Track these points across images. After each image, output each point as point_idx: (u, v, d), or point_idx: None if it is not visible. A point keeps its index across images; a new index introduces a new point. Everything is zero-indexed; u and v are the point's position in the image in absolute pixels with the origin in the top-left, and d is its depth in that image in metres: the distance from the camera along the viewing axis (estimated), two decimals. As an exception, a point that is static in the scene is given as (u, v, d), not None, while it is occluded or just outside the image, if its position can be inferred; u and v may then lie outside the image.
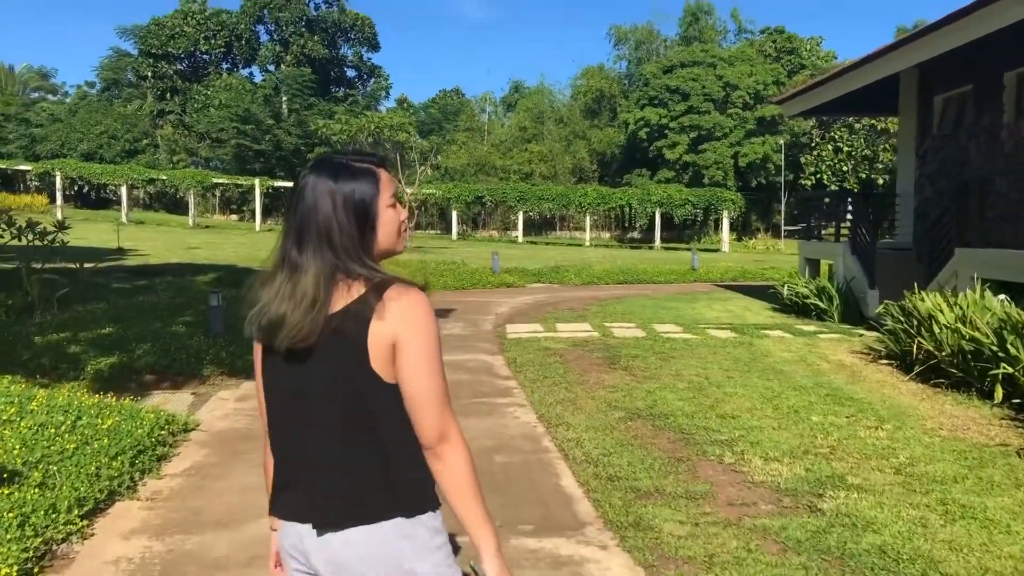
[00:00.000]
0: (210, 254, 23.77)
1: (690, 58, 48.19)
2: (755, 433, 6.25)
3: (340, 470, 1.65)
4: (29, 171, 42.32)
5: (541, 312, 14.26)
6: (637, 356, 9.51)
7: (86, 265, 12.91)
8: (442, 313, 13.84)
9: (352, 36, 61.54)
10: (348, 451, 1.65)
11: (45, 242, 13.51)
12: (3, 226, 12.88)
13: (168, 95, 56.94)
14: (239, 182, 43.83)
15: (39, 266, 11.77)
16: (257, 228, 42.08)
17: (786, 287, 14.18)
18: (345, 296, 1.64)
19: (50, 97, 64.90)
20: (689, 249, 40.52)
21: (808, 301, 13.51)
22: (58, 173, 41.09)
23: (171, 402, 7.31)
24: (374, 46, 63.27)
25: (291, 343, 1.63)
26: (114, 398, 6.64)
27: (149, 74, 55.98)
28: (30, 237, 13.28)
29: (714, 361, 9.27)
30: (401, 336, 1.62)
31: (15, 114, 53.45)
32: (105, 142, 48.48)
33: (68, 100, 57.85)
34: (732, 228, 43.48)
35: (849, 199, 17.10)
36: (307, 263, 1.65)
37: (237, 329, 9.72)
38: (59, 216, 41.55)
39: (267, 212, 49.21)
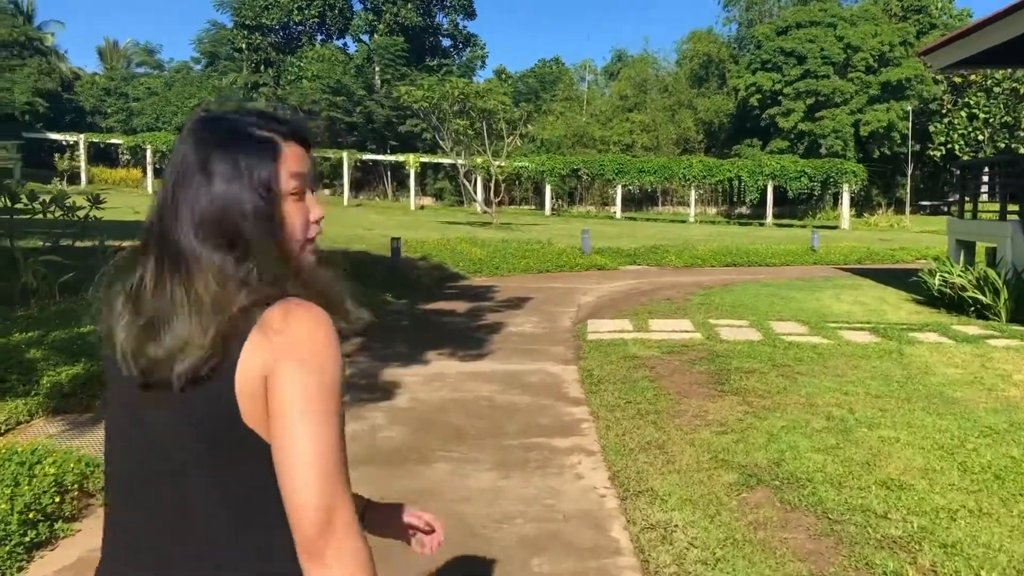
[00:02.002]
0: (282, 230, 22.39)
1: (807, 18, 44.44)
2: (944, 523, 4.00)
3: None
4: (120, 144, 42.30)
5: (632, 303, 12.08)
6: (753, 371, 7.26)
7: (109, 244, 11.43)
8: (515, 303, 11.84)
9: (447, 3, 59.70)
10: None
11: (73, 217, 12.15)
12: (25, 200, 11.52)
13: (262, 67, 56.53)
14: (327, 155, 42.82)
15: (47, 245, 10.34)
16: (345, 202, 41.01)
17: (937, 275, 11.54)
18: None
19: (155, 73, 65.73)
20: (804, 226, 37.35)
21: (965, 294, 10.89)
22: (148, 146, 40.85)
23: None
24: (470, 14, 61.30)
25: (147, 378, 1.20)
26: (16, 439, 4.88)
27: (244, 46, 55.60)
28: (56, 213, 11.93)
29: (856, 380, 6.94)
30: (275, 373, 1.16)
31: (115, 88, 53.95)
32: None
33: (164, 74, 58.10)
34: (852, 203, 39.87)
35: None
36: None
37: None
38: (149, 189, 41.49)
39: (358, 186, 48.22)
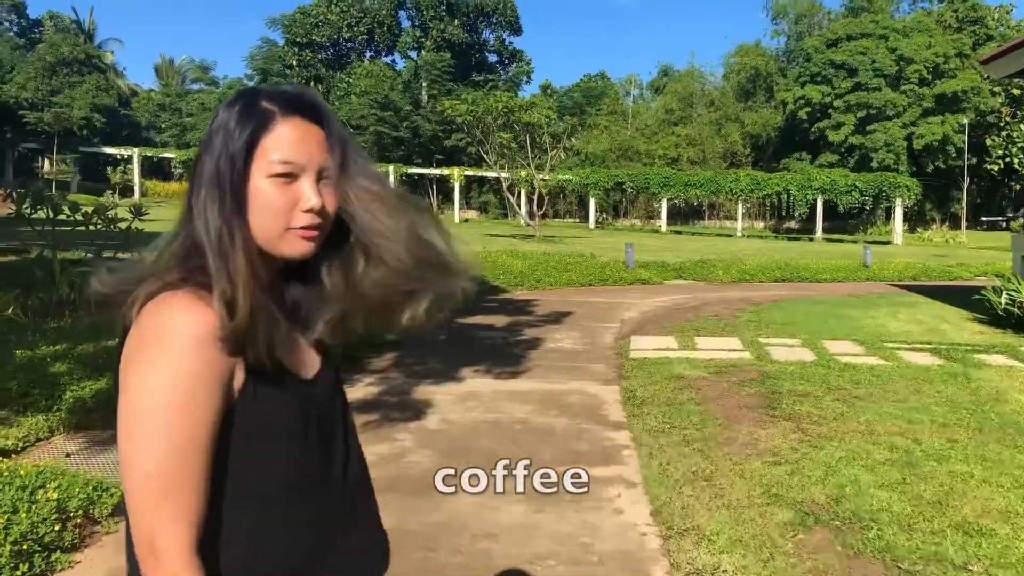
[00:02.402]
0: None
1: (858, 30, 43.53)
2: (1033, 575, 3.55)
3: None
4: (173, 158, 42.90)
5: (678, 319, 11.64)
6: (806, 395, 6.81)
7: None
8: (555, 318, 11.48)
9: (494, 20, 59.79)
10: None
11: (114, 229, 12.11)
12: (67, 212, 11.49)
13: (312, 83, 57.07)
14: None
15: (89, 256, 10.26)
16: (390, 216, 41.00)
17: (1004, 294, 10.92)
18: None
19: (208, 89, 66.83)
20: (855, 241, 36.41)
21: (1035, 313, 10.27)
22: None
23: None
24: (516, 30, 61.32)
25: None
26: (27, 461, 4.66)
27: (294, 63, 56.26)
28: (98, 224, 11.89)
29: (920, 407, 6.45)
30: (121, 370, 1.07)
31: (169, 103, 54.90)
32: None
33: (217, 90, 59.01)
34: (905, 218, 38.78)
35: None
36: None
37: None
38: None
39: (404, 200, 48.28)
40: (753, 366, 8.07)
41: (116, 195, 30.76)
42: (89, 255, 12.80)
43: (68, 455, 5.26)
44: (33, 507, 3.84)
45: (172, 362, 1.03)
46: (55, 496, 3.98)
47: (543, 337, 9.90)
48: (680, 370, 7.83)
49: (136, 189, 42.45)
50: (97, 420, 5.85)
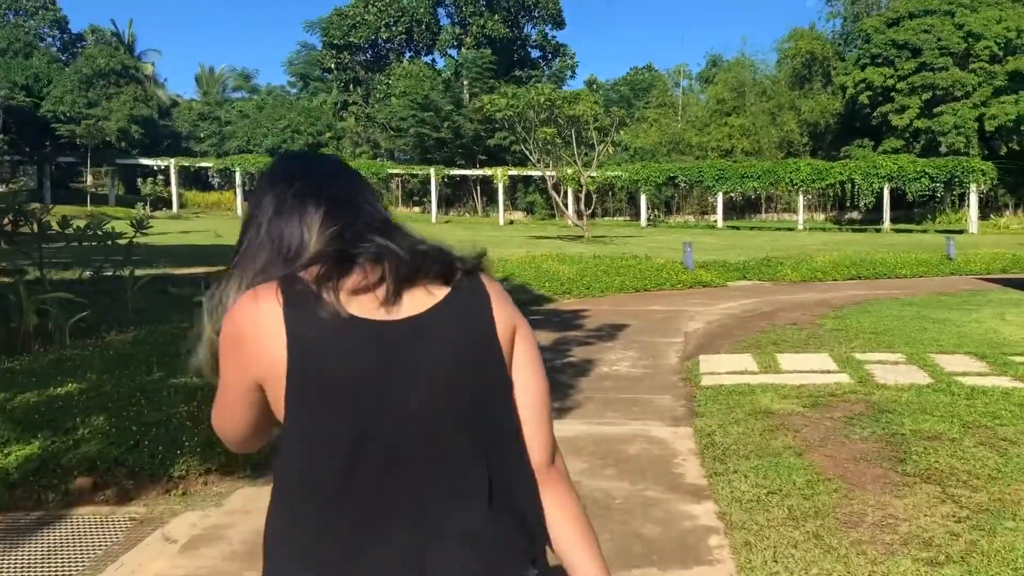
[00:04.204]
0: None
1: (921, 6, 41.02)
2: None
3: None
4: (210, 167, 42.26)
5: (751, 329, 10.06)
6: (938, 437, 5.24)
7: (139, 274, 10.17)
8: (608, 333, 9.97)
9: (536, 14, 58.25)
10: None
11: (110, 244, 10.98)
12: (57, 227, 10.37)
13: (351, 86, 56.26)
14: (414, 172, 41.80)
15: (89, 274, 9.08)
16: (433, 219, 39.82)
17: None
18: None
19: (248, 97, 66.52)
20: (925, 231, 34.19)
21: None
22: (237, 168, 40.61)
23: (83, 537, 4.12)
24: (559, 23, 59.68)
25: None
26: None
27: (332, 66, 55.45)
28: (92, 241, 10.76)
29: (1099, 453, 4.85)
30: None
31: (208, 112, 54.51)
32: (288, 136, 48.02)
33: (256, 97, 58.52)
34: (979, 205, 36.33)
35: None
36: None
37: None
38: (239, 213, 41.27)
39: (448, 202, 47.09)
40: (856, 394, 6.50)
41: (148, 207, 30.00)
42: (89, 273, 11.68)
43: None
44: None
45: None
46: None
47: (595, 358, 8.41)
48: (766, 402, 6.29)
49: (174, 200, 41.87)
50: (22, 498, 4.57)
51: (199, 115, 55.68)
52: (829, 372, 7.35)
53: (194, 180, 45.38)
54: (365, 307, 1.19)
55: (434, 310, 1.21)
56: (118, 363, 6.77)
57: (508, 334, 1.26)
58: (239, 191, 40.83)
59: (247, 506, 4.60)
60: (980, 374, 7.10)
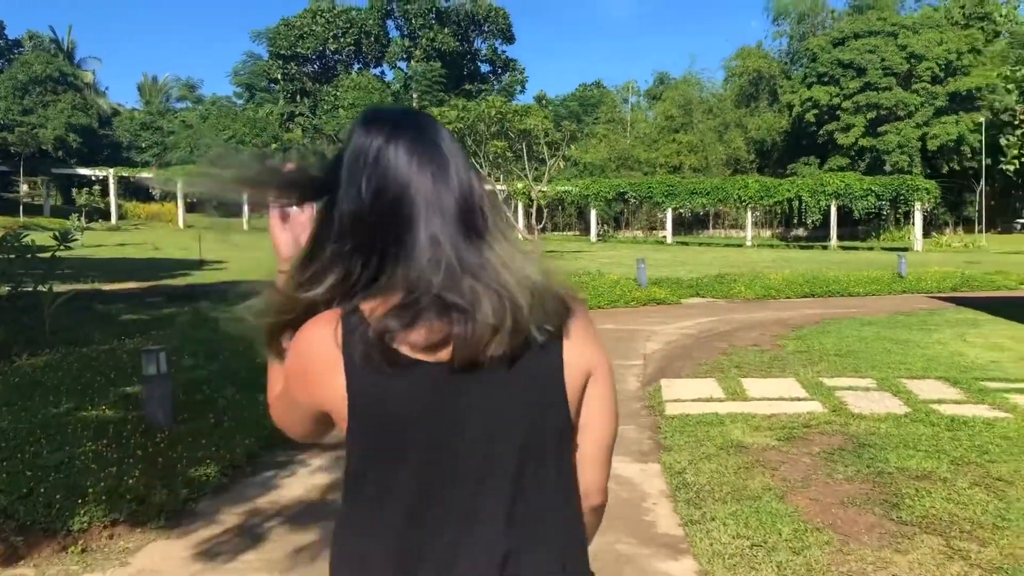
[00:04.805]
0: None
1: (865, 27, 41.72)
2: None
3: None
4: (150, 178, 40.94)
5: (712, 351, 9.66)
6: (929, 477, 4.82)
7: (62, 290, 9.41)
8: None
9: (486, 28, 58.03)
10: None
11: (29, 257, 10.18)
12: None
13: (298, 97, 55.30)
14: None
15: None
16: (380, 233, 39.10)
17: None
18: None
19: (192, 107, 64.98)
20: (871, 248, 34.51)
21: None
22: (179, 180, 39.36)
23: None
24: (509, 38, 59.55)
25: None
26: None
27: (279, 76, 54.44)
28: (8, 254, 9.95)
29: (1102, 494, 4.47)
30: None
31: (151, 122, 53.05)
32: (233, 147, 46.91)
33: (200, 107, 57.17)
34: (923, 223, 36.83)
35: None
36: None
37: (199, 412, 5.82)
38: (181, 224, 40.05)
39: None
40: (832, 425, 6.08)
41: (83, 218, 28.79)
42: (5, 288, 10.84)
43: None
44: None
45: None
46: None
47: (550, 383, 7.90)
48: (738, 434, 5.84)
49: (113, 211, 40.46)
50: None
51: (141, 124, 54.19)
52: (799, 399, 6.94)
53: (135, 191, 43.89)
54: (428, 352, 1.14)
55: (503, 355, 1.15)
56: (22, 392, 6.06)
57: (578, 375, 1.22)
58: (180, 202, 39.59)
59: (158, 564, 3.99)
60: (957, 402, 6.76)
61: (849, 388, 7.33)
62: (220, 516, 4.53)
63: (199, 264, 19.57)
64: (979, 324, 11.94)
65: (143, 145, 51.30)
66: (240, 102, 61.16)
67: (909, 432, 5.81)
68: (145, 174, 42.14)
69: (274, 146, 49.85)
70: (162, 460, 4.90)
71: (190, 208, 40.37)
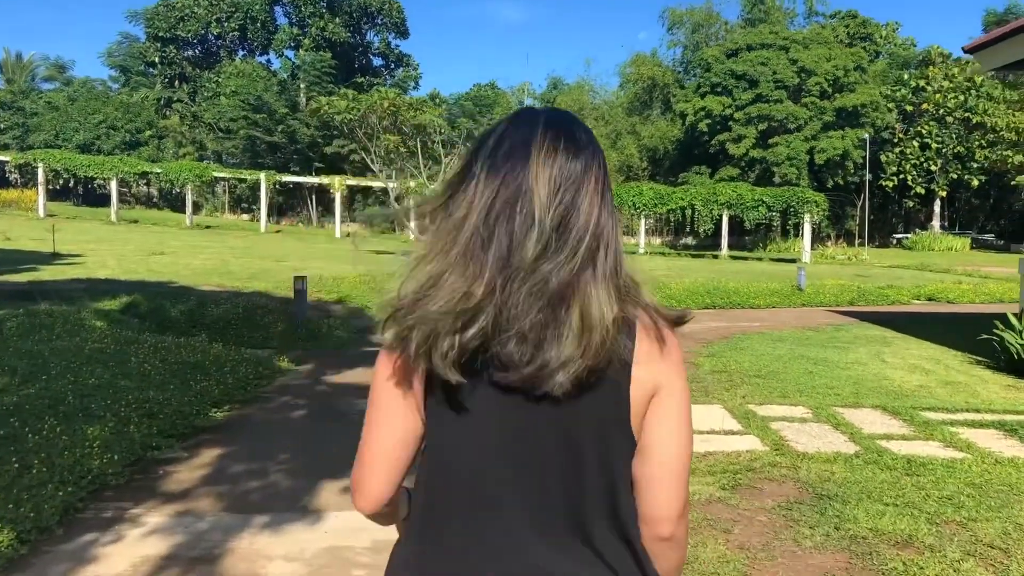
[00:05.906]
0: (171, 264, 18.60)
1: (758, 40, 42.37)
2: None
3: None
4: (8, 162, 37.57)
5: (624, 370, 8.76)
6: (911, 543, 4.01)
7: None
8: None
9: (379, 21, 56.39)
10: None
11: None
12: None
13: (177, 83, 52.29)
14: (243, 176, 38.82)
15: None
16: (263, 228, 37.07)
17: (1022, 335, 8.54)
18: None
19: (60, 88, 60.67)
20: (760, 259, 34.84)
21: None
22: (40, 165, 36.26)
23: None
24: (402, 33, 58.09)
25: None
26: None
27: (156, 60, 51.33)
28: None
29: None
30: None
31: (11, 102, 49.08)
32: (103, 132, 43.77)
33: (68, 88, 53.35)
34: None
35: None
36: None
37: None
38: (41, 213, 36.90)
39: (280, 211, 44.31)
40: (778, 467, 5.24)
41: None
42: None
43: None
44: None
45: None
46: None
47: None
48: (675, 482, 4.90)
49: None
50: None
51: (0, 104, 50.11)
52: (733, 433, 6.10)
53: (-6, 176, 40.42)
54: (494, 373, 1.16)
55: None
56: None
57: (645, 391, 1.20)
58: (41, 189, 36.46)
59: None
60: (904, 438, 6.06)
61: (783, 419, 6.56)
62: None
63: (51, 257, 17.56)
64: (889, 342, 11.54)
65: (2, 126, 47.36)
66: (116, 86, 57.53)
67: (867, 478, 5.02)
68: (4, 157, 38.67)
69: (148, 132, 46.90)
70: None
71: (52, 195, 37.31)
